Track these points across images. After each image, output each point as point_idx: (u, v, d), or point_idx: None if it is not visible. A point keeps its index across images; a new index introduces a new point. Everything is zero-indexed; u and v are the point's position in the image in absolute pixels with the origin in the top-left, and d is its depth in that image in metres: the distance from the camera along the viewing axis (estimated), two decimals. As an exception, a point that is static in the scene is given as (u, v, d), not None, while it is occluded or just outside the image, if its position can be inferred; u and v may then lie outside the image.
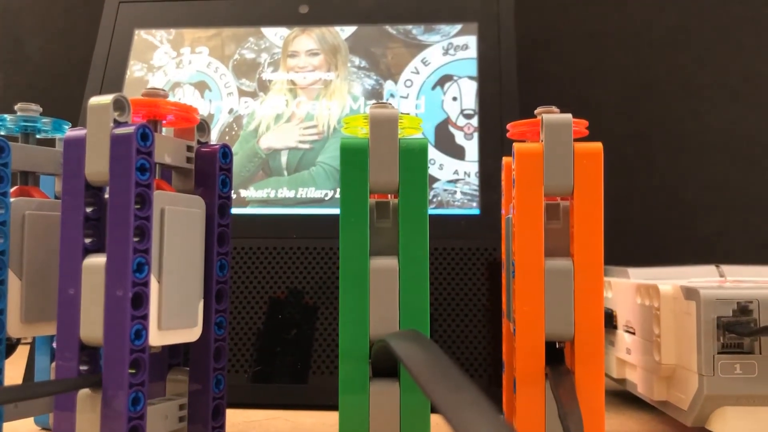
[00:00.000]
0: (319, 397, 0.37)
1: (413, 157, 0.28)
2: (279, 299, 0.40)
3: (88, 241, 0.26)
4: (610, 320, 0.37)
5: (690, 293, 0.29)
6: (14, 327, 0.28)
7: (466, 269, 0.40)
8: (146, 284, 0.25)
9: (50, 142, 0.33)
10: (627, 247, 0.58)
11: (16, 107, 0.31)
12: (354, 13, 0.47)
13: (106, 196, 0.26)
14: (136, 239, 0.25)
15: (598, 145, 0.29)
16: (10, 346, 0.29)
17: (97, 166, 0.25)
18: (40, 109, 0.31)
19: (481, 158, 0.43)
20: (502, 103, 0.44)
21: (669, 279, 0.36)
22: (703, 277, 0.37)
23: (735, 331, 0.27)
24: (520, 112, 0.44)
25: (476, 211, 0.42)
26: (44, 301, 0.29)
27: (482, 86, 0.44)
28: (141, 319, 0.25)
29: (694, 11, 0.60)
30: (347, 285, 0.27)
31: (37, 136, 0.32)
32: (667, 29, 0.60)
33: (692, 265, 0.38)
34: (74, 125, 0.47)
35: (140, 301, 0.25)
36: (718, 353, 0.28)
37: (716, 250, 0.58)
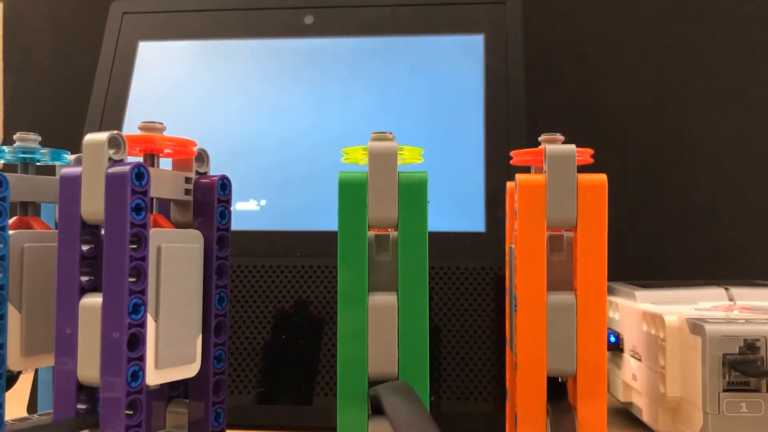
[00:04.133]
0: (322, 419, 0.37)
1: (413, 192, 0.27)
2: (282, 319, 0.40)
3: (84, 279, 0.26)
4: (617, 344, 0.37)
5: (696, 328, 0.29)
6: (14, 360, 0.28)
7: (471, 289, 0.39)
8: (142, 325, 0.25)
9: (51, 168, 0.33)
10: (637, 256, 0.57)
11: (15, 137, 0.31)
12: (359, 24, 0.46)
13: (104, 230, 0.25)
14: (132, 280, 0.25)
15: (602, 177, 0.28)
16: (11, 378, 0.29)
17: (92, 205, 0.25)
18: (39, 138, 0.31)
19: (487, 174, 0.42)
20: (509, 117, 0.43)
21: (676, 303, 0.35)
22: (712, 300, 0.36)
23: (741, 371, 0.27)
24: (528, 122, 0.43)
25: (481, 228, 0.41)
26: (44, 333, 0.29)
27: (489, 100, 0.44)
28: (137, 361, 0.25)
29: (707, 16, 0.59)
30: (345, 322, 0.27)
31: (37, 164, 0.31)
32: (680, 34, 0.59)
33: (701, 286, 0.37)
34: (80, 134, 0.48)
35: (136, 342, 0.25)
36: (724, 391, 0.27)
37: (728, 259, 0.57)
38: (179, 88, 0.47)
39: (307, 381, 0.38)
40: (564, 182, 0.28)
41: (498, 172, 0.42)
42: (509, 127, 0.43)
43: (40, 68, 0.66)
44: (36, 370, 0.39)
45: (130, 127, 0.46)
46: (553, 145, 0.29)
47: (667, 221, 0.58)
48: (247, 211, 0.43)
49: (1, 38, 0.66)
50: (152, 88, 0.47)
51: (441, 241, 0.40)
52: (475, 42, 0.46)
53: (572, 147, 0.28)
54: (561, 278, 0.29)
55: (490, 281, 0.39)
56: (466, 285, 0.39)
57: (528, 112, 0.43)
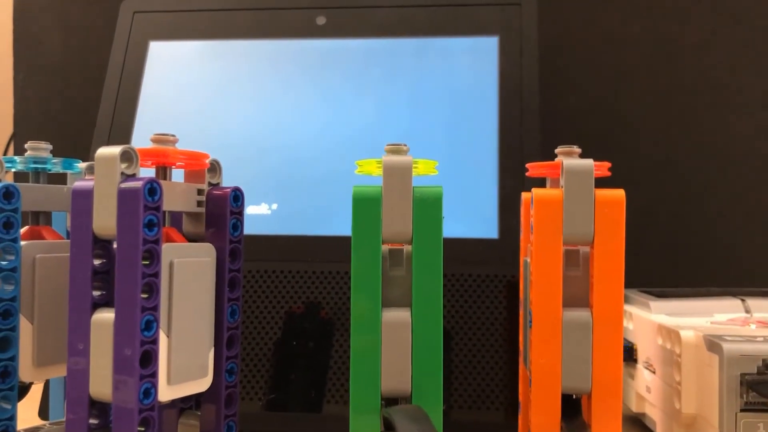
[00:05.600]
0: (332, 427, 0.37)
1: (427, 207, 0.27)
2: (293, 324, 0.39)
3: (96, 294, 0.26)
4: (630, 354, 0.37)
5: (713, 346, 0.28)
6: (27, 371, 0.28)
7: (483, 296, 0.39)
8: (155, 341, 0.25)
9: (62, 173, 0.33)
10: (650, 261, 0.56)
11: (26, 146, 0.31)
12: (371, 26, 0.46)
13: (116, 246, 0.25)
14: (144, 296, 0.25)
15: (620, 193, 0.28)
16: (23, 389, 0.29)
17: (104, 219, 0.25)
18: (50, 147, 0.31)
19: (501, 180, 0.42)
20: (523, 122, 0.43)
21: (691, 315, 0.35)
22: (728, 312, 0.35)
23: (759, 392, 0.26)
24: (542, 125, 0.43)
25: (494, 235, 0.41)
26: (56, 343, 0.29)
27: (503, 103, 0.43)
28: (150, 377, 0.25)
29: (723, 17, 0.58)
30: (359, 338, 0.27)
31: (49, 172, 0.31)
32: (696, 35, 0.58)
33: (716, 297, 0.37)
34: (90, 132, 0.47)
35: (149, 359, 0.25)
36: (741, 411, 0.27)
37: (741, 265, 0.57)
38: (190, 89, 0.47)
39: (317, 388, 0.38)
40: (581, 198, 0.27)
41: (511, 178, 0.42)
42: (523, 131, 0.43)
43: (50, 64, 0.66)
44: (47, 385, 0.39)
45: (141, 128, 0.46)
46: (571, 159, 0.28)
47: (681, 226, 0.57)
48: (258, 215, 0.43)
49: (11, 34, 0.66)
50: (163, 88, 0.47)
51: (453, 248, 0.39)
52: (490, 44, 0.45)
53: (590, 162, 0.28)
54: (576, 294, 0.28)
55: (503, 288, 0.39)
56: (479, 292, 0.39)
57: (540, 114, 0.43)
